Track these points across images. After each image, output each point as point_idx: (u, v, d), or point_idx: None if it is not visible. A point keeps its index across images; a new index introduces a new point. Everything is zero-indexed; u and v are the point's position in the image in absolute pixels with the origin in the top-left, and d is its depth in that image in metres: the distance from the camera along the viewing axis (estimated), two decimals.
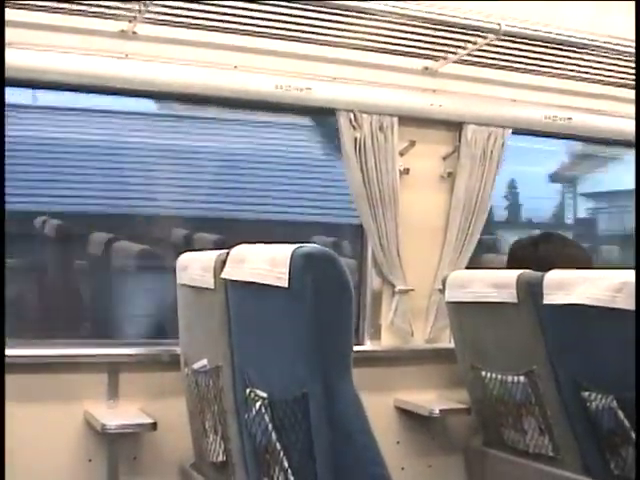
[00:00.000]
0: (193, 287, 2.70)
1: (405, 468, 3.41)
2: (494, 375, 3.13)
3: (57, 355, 3.05)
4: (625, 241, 4.55)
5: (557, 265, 2.90)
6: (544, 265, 2.93)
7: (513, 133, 3.66)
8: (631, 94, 3.66)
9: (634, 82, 3.61)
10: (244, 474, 2.49)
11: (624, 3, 3.55)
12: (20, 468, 2.83)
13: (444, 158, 3.60)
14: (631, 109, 3.59)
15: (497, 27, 3.17)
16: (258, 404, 2.31)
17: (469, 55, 3.40)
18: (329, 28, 3.14)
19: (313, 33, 3.17)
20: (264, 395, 2.29)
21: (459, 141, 3.57)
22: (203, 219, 3.79)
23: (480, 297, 3.10)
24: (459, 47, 3.35)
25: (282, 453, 2.24)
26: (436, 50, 3.38)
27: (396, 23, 3.13)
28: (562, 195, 4.85)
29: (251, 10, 2.97)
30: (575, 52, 3.41)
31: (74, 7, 2.88)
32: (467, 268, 3.53)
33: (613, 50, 3.37)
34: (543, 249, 3.30)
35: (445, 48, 3.37)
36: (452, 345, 3.40)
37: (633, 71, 3.51)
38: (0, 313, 2.56)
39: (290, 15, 3.02)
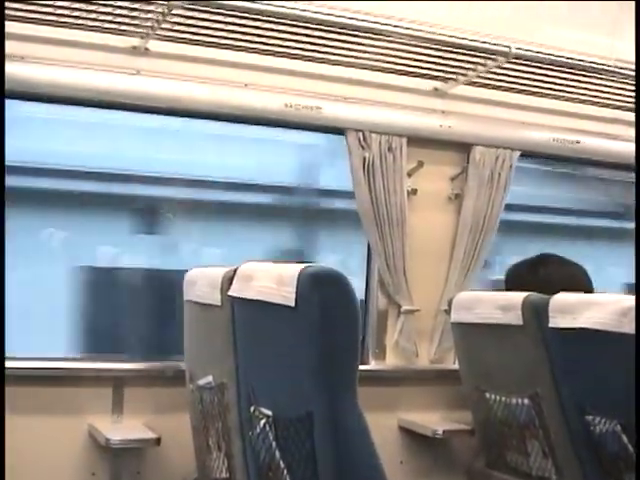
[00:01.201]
0: (200, 303, 2.70)
1: None
2: (498, 397, 3.12)
3: (62, 368, 3.06)
4: None
5: (559, 287, 2.91)
6: (546, 288, 2.94)
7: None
8: None
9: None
10: None
11: (633, 27, 3.55)
12: None
13: (452, 179, 3.61)
14: None
15: (507, 50, 3.18)
16: (262, 422, 2.31)
17: (479, 77, 3.42)
18: (340, 48, 3.16)
19: (323, 53, 3.19)
20: (269, 413, 2.29)
21: (467, 162, 3.58)
22: None
23: (486, 319, 3.10)
24: (469, 69, 3.36)
25: (285, 471, 2.24)
26: (446, 72, 3.40)
27: (407, 44, 3.14)
28: None
29: (262, 29, 2.99)
30: (584, 75, 3.42)
31: (86, 23, 2.90)
32: None
33: (622, 74, 3.38)
34: (543, 273, 3.30)
35: (455, 70, 3.38)
36: (457, 366, 3.40)
37: None
38: (0, 317, 2.56)
39: (301, 34, 3.04)
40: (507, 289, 3.34)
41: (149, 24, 2.92)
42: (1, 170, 2.75)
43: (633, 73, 3.35)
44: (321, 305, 2.05)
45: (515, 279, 3.37)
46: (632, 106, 3.66)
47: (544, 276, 3.28)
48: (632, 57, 3.36)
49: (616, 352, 2.53)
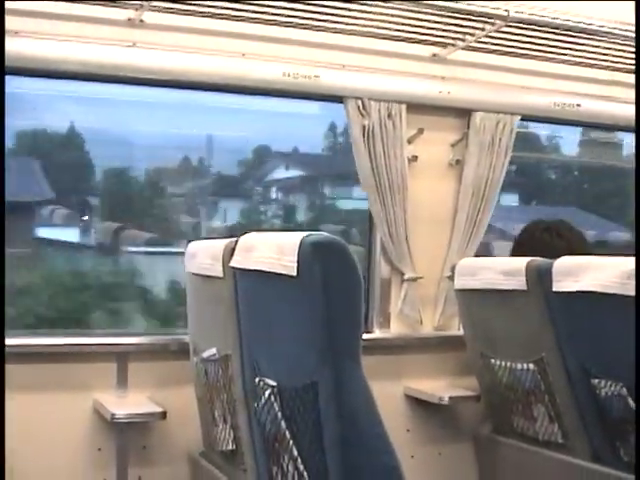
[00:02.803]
0: (202, 275, 2.70)
1: (415, 456, 3.41)
2: (503, 363, 3.13)
3: (66, 344, 3.05)
4: None
5: (580, 250, 2.92)
6: (574, 252, 2.93)
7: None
8: None
9: (634, 70, 3.59)
10: (253, 462, 2.49)
11: None
12: (30, 457, 2.84)
13: (452, 145, 3.59)
14: None
15: (505, 13, 3.16)
16: (267, 393, 2.31)
17: (477, 42, 3.39)
18: (337, 15, 3.13)
19: (321, 20, 3.17)
20: (273, 384, 2.29)
21: (468, 128, 3.56)
22: None
23: (489, 284, 3.09)
24: (467, 34, 3.34)
25: (291, 442, 2.24)
26: (444, 37, 3.38)
27: (404, 10, 3.12)
28: None
29: None
30: (583, 38, 3.40)
31: None
32: None
33: (622, 36, 3.36)
34: (569, 236, 3.32)
35: (453, 35, 3.36)
36: (461, 333, 3.41)
37: None
38: (0, 308, 2.55)
39: (298, 2, 3.02)
40: (524, 253, 3.28)
41: None
42: (1, 171, 2.73)
43: (632, 34, 3.32)
44: (323, 273, 2.04)
45: (539, 245, 3.33)
46: (632, 68, 3.64)
47: (570, 239, 3.29)
48: (631, 19, 3.33)
49: (621, 315, 2.53)
